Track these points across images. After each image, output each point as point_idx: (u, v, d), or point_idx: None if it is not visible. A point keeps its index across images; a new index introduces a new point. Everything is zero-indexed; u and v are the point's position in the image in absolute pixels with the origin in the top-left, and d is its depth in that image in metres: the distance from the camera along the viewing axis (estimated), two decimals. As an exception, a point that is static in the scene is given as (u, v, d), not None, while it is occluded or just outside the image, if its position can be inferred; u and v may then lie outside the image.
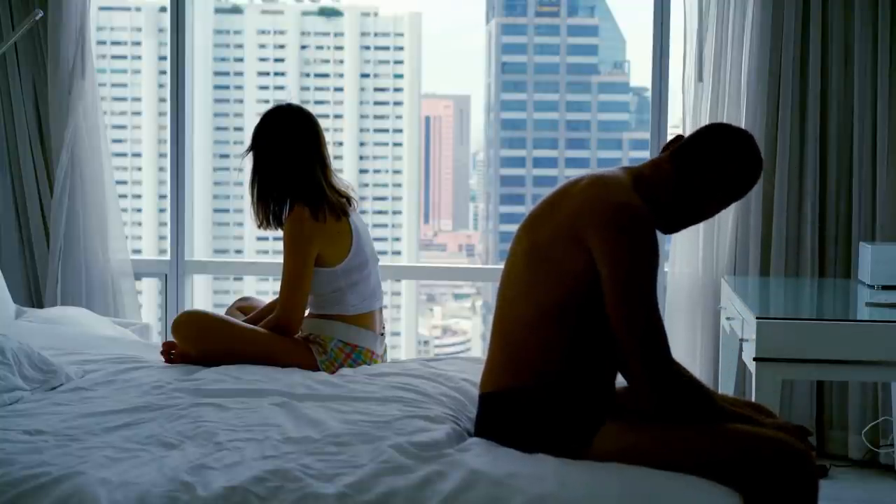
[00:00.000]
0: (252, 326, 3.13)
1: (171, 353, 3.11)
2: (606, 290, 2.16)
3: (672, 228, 2.36)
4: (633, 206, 2.18)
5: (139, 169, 11.25)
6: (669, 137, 4.34)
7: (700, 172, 2.27)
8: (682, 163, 2.29)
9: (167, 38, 4.66)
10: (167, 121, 4.69)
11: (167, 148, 4.71)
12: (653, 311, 2.15)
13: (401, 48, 12.80)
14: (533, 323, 2.25)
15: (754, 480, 2.07)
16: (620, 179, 2.26)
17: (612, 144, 14.19)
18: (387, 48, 12.79)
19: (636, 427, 2.17)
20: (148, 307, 5.57)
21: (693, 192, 2.27)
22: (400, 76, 12.71)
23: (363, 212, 3.35)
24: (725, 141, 2.29)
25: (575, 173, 2.39)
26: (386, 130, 12.65)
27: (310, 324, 3.16)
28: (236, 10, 12.54)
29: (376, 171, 12.66)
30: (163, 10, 4.76)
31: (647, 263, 2.16)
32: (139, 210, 10.95)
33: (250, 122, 10.53)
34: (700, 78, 4.19)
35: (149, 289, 5.86)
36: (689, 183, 2.27)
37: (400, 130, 12.68)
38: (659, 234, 2.26)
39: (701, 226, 4.16)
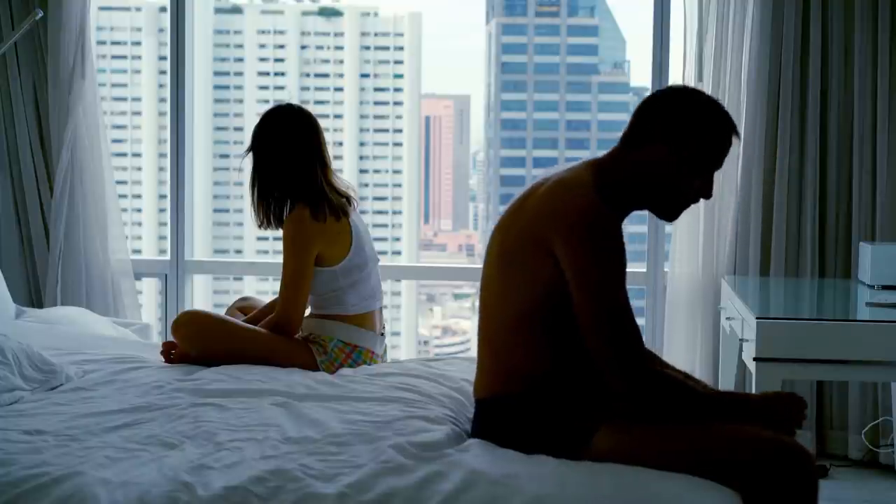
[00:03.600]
0: (252, 326, 3.13)
1: (171, 353, 3.11)
2: (573, 293, 2.15)
3: (666, 213, 2.30)
4: (594, 208, 2.14)
5: (139, 169, 11.25)
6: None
7: (663, 142, 2.21)
8: (640, 138, 2.24)
9: (167, 38, 4.66)
10: (167, 121, 4.69)
11: (167, 148, 4.71)
12: (621, 311, 2.13)
13: (401, 48, 12.80)
14: (514, 327, 2.24)
15: (754, 481, 2.07)
16: (582, 178, 2.22)
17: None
18: (387, 48, 12.79)
19: (635, 428, 2.16)
20: (148, 307, 5.57)
21: (665, 166, 2.21)
22: (400, 76, 12.71)
23: (363, 212, 3.35)
24: (676, 102, 2.23)
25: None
26: (386, 130, 12.64)
27: (310, 324, 3.16)
28: (236, 10, 12.53)
29: (376, 171, 12.66)
30: (163, 10, 4.76)
31: (613, 264, 2.13)
32: (139, 210, 10.95)
33: (250, 122, 10.53)
34: (700, 78, 4.19)
35: (149, 289, 5.87)
36: (654, 156, 2.22)
37: (400, 130, 12.68)
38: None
39: (701, 226, 4.16)
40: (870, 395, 4.10)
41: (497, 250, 2.27)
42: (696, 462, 2.09)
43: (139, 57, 11.31)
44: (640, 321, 2.16)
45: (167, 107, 4.70)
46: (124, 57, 11.34)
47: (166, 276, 4.72)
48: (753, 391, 2.92)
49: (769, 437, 2.11)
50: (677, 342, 4.22)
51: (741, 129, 4.11)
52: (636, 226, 4.37)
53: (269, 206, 3.16)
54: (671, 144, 2.21)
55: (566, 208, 2.15)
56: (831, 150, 4.11)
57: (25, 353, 2.81)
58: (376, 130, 12.59)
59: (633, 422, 2.17)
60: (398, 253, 12.68)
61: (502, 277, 2.25)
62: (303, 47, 12.44)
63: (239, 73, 12.28)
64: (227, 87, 12.21)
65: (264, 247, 10.98)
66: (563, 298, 2.19)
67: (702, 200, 2.31)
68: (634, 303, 2.21)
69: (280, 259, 3.12)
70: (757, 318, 2.90)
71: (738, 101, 4.13)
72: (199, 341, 3.07)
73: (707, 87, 4.15)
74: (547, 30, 15.01)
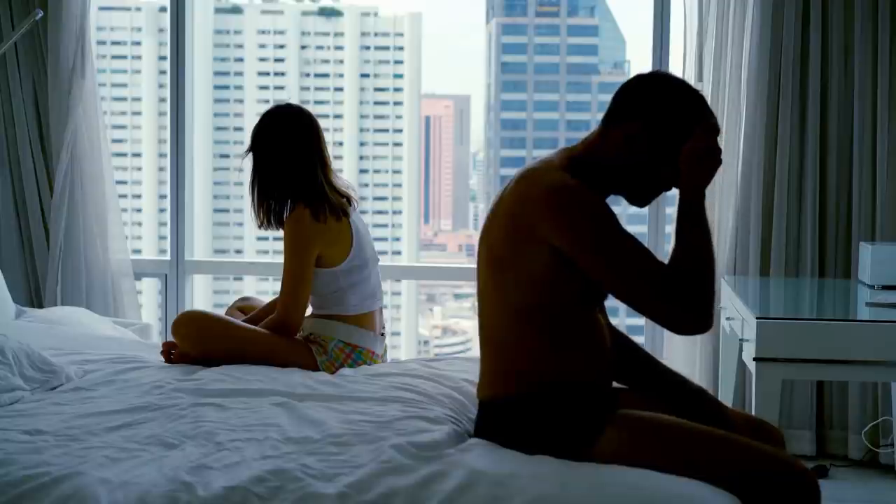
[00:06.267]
0: (252, 327, 3.13)
1: (171, 353, 3.11)
2: (590, 272, 2.13)
3: (637, 197, 2.28)
4: (564, 185, 2.13)
5: (139, 169, 11.26)
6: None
7: (637, 120, 2.19)
8: (617, 116, 2.23)
9: (167, 38, 4.66)
10: (167, 121, 4.69)
11: (167, 148, 4.71)
12: (644, 269, 2.11)
13: (401, 48, 12.80)
14: (511, 327, 2.23)
15: (757, 493, 2.06)
16: (551, 164, 2.21)
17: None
18: (387, 48, 12.80)
19: (639, 431, 2.15)
20: (148, 307, 5.57)
21: (637, 145, 2.20)
22: (400, 76, 12.72)
23: (363, 212, 3.35)
24: (655, 84, 2.22)
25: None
26: (386, 130, 12.65)
27: (310, 324, 3.16)
28: (236, 10, 12.54)
29: (376, 171, 12.67)
30: (163, 10, 4.76)
31: (607, 225, 2.12)
32: (139, 210, 10.96)
33: (250, 122, 10.52)
34: (700, 78, 4.19)
35: (149, 289, 5.86)
36: (628, 133, 2.20)
37: (400, 130, 12.69)
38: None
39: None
40: (870, 395, 4.10)
41: (485, 254, 2.26)
42: (700, 467, 2.08)
43: (139, 57, 11.32)
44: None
45: (167, 107, 4.70)
46: (124, 57, 11.35)
47: (166, 276, 4.72)
48: (754, 391, 2.92)
49: (774, 455, 2.10)
50: (677, 343, 4.22)
51: (741, 129, 4.11)
52: (636, 226, 4.37)
53: (270, 206, 3.16)
54: (644, 122, 2.19)
55: (541, 192, 2.14)
56: (831, 150, 4.11)
57: (25, 353, 2.81)
58: (376, 130, 12.60)
59: (635, 432, 2.15)
60: (398, 253, 12.69)
61: (495, 281, 2.24)
62: (303, 47, 12.45)
63: (239, 73, 12.29)
64: (227, 87, 12.22)
65: (264, 247, 10.99)
66: (557, 296, 2.19)
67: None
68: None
69: (280, 259, 3.12)
70: (757, 318, 2.90)
71: (738, 101, 4.13)
72: (199, 341, 3.07)
73: (707, 87, 4.16)
74: (547, 30, 15.01)
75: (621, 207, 2.41)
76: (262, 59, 12.36)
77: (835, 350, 2.89)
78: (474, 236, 14.70)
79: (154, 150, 11.12)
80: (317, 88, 12.53)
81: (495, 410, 2.27)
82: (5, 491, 1.97)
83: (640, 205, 2.31)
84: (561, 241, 2.13)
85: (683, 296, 2.12)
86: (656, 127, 2.19)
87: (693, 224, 2.17)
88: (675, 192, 2.27)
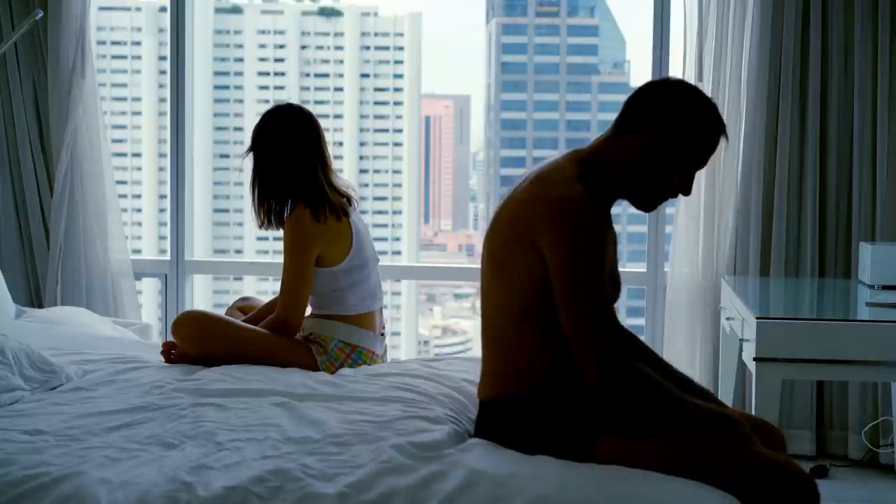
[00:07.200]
0: (252, 327, 3.13)
1: (171, 353, 3.11)
2: (555, 287, 2.13)
3: (645, 203, 2.28)
4: (577, 200, 2.13)
5: (139, 169, 11.25)
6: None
7: (651, 128, 2.19)
8: (630, 123, 2.22)
9: (167, 38, 4.66)
10: (167, 121, 4.69)
11: (167, 148, 4.71)
12: (603, 305, 2.10)
13: (401, 48, 12.80)
14: (513, 328, 2.23)
15: (756, 497, 2.06)
16: (562, 170, 2.21)
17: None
18: (387, 48, 12.79)
19: (638, 441, 2.15)
20: (148, 307, 5.57)
21: (649, 153, 2.20)
22: (400, 76, 12.71)
23: (363, 212, 3.36)
24: (670, 92, 2.22)
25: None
26: (386, 130, 12.65)
27: (310, 324, 3.16)
28: (236, 10, 12.53)
29: (376, 171, 12.66)
30: (163, 10, 4.76)
31: (592, 257, 2.11)
32: (139, 210, 10.96)
33: (250, 122, 10.53)
34: (700, 78, 4.18)
35: (149, 289, 5.86)
36: (640, 140, 2.20)
37: (400, 130, 12.68)
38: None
39: (701, 225, 4.16)
40: (870, 395, 4.10)
41: (488, 253, 2.27)
42: (699, 468, 2.08)
43: (139, 57, 11.32)
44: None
45: (167, 107, 4.70)
46: (124, 57, 11.35)
47: (166, 276, 4.72)
48: (754, 391, 2.92)
49: (774, 460, 2.10)
50: (677, 342, 4.22)
51: (741, 129, 4.11)
52: (636, 226, 4.38)
53: (270, 206, 3.16)
54: (658, 130, 2.19)
55: (549, 202, 2.14)
56: (831, 150, 4.10)
57: (25, 353, 2.81)
58: (376, 130, 12.60)
59: (636, 435, 2.15)
60: (398, 253, 12.69)
61: (497, 280, 2.24)
62: (303, 47, 12.45)
63: (239, 73, 12.29)
64: (227, 87, 12.22)
65: (264, 247, 10.99)
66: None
67: (704, 199, 2.30)
68: (634, 303, 2.20)
69: (280, 259, 3.12)
70: (757, 318, 2.90)
71: (738, 101, 4.13)
72: (199, 341, 3.07)
73: (707, 87, 4.15)
74: (547, 30, 15.00)
75: (622, 206, 2.41)
76: (262, 59, 12.36)
77: (835, 350, 2.89)
78: (474, 236, 14.70)
79: (154, 150, 11.12)
80: (317, 88, 12.52)
81: (496, 410, 2.27)
82: (5, 491, 1.97)
83: (647, 210, 2.31)
84: (548, 246, 2.13)
85: (610, 363, 2.09)
86: (669, 134, 2.19)
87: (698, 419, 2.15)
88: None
